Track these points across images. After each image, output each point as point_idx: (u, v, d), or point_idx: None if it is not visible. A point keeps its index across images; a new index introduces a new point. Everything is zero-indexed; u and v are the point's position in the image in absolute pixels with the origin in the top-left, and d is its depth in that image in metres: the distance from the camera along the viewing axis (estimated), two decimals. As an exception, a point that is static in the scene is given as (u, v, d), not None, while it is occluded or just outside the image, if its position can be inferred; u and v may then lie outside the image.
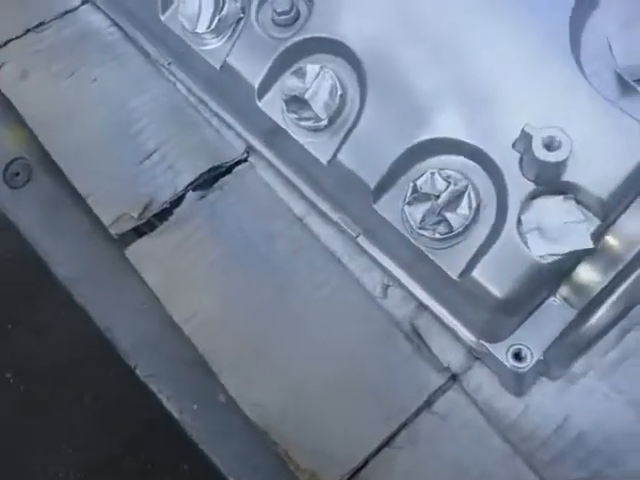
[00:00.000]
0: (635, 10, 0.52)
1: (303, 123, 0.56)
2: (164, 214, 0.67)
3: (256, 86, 0.59)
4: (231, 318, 0.61)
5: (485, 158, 0.49)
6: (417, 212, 0.50)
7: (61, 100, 0.75)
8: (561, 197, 0.47)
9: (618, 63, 0.49)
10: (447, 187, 0.49)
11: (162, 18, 0.66)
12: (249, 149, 0.70)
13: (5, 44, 0.81)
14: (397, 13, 0.54)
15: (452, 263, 0.50)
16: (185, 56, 0.69)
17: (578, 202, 0.47)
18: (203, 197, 0.67)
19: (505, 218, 0.48)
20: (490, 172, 0.49)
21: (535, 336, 0.54)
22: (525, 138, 0.45)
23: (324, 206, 0.64)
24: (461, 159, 0.51)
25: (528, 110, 0.48)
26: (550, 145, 0.44)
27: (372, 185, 0.53)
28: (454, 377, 0.58)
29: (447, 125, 0.50)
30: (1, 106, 0.79)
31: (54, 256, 0.71)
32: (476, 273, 0.49)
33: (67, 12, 0.83)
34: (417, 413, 0.57)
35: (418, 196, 0.50)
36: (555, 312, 0.54)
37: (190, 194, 0.67)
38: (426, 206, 0.50)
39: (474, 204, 0.49)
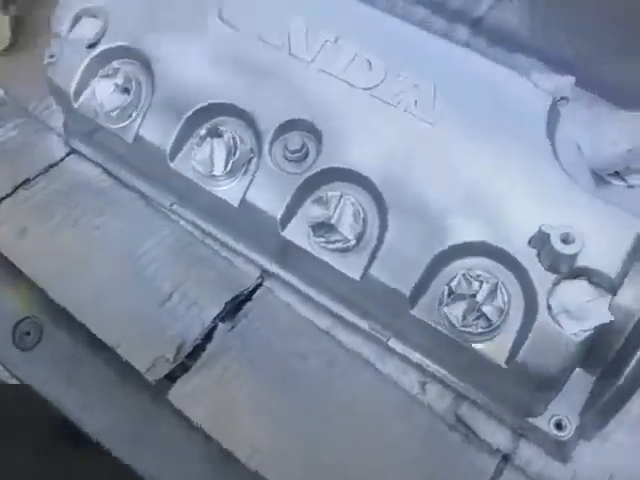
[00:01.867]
0: (594, 112, 0.63)
1: (331, 246, 0.62)
2: (196, 350, 0.69)
3: (278, 218, 0.64)
4: (289, 442, 0.62)
5: (507, 257, 0.56)
6: (457, 311, 0.56)
7: (66, 252, 0.77)
8: (576, 280, 0.55)
9: (590, 162, 0.59)
10: (481, 285, 0.55)
11: (172, 165, 0.71)
12: (263, 273, 0.74)
13: (-5, 204, 0.82)
14: (398, 140, 0.62)
15: (496, 352, 0.56)
16: (193, 196, 0.74)
17: (590, 282, 0.55)
18: (233, 327, 0.70)
19: (536, 306, 0.54)
20: (513, 268, 0.57)
21: (567, 405, 0.60)
22: (543, 236, 0.53)
23: (350, 317, 0.68)
24: (484, 260, 0.58)
25: (533, 211, 0.56)
26: (566, 240, 0.52)
27: (407, 293, 0.58)
28: (505, 457, 0.62)
29: (467, 231, 0.57)
30: (1, 267, 0.79)
31: (82, 412, 0.70)
32: (522, 357, 0.54)
33: (51, 166, 0.86)
34: None
35: (455, 297, 0.56)
36: (578, 380, 0.61)
37: (220, 326, 0.70)
38: (463, 305, 0.56)
39: (506, 297, 0.56)
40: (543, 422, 0.60)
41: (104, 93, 0.75)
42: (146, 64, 0.74)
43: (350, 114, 0.64)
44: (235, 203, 0.68)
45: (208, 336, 0.70)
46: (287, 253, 0.69)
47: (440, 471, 0.62)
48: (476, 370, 0.60)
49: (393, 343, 0.66)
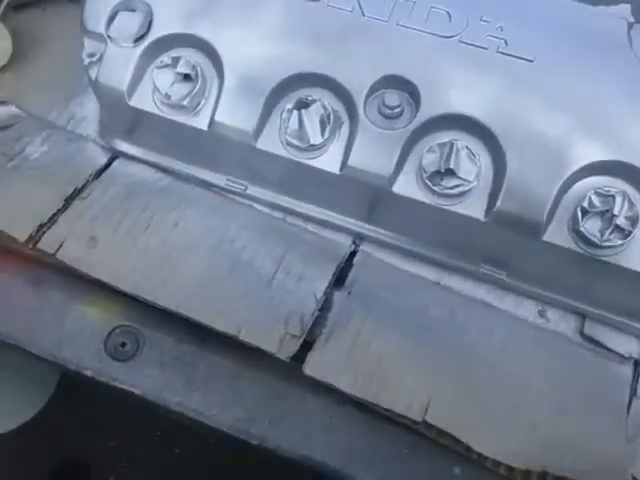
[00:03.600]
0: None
1: (450, 191, 0.64)
2: (315, 323, 0.68)
3: (387, 176, 0.65)
4: (451, 391, 0.63)
5: (630, 170, 0.60)
6: (594, 229, 0.59)
7: (150, 253, 0.74)
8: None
9: None
10: (614, 199, 0.59)
11: (257, 145, 0.70)
12: (355, 238, 0.74)
13: (52, 219, 0.77)
14: (498, 80, 0.64)
15: (635, 260, 0.60)
16: (277, 174, 0.73)
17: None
18: (349, 293, 0.70)
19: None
20: (635, 179, 0.60)
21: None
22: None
23: (460, 263, 0.70)
24: (601, 178, 0.61)
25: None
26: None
27: (543, 220, 0.61)
28: (637, 362, 0.66)
29: (590, 152, 0.61)
30: (67, 286, 0.75)
31: (212, 410, 0.68)
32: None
33: (99, 173, 0.82)
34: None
35: (590, 215, 0.60)
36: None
37: (337, 294, 0.69)
38: (599, 222, 0.59)
39: (636, 207, 0.59)
40: (669, 322, 0.64)
41: (166, 84, 0.73)
42: (207, 48, 0.72)
43: (441, 63, 0.66)
44: (336, 170, 0.68)
45: (327, 306, 0.69)
46: (388, 211, 0.70)
47: (582, 388, 0.65)
48: (605, 285, 0.64)
49: (509, 280, 0.69)
